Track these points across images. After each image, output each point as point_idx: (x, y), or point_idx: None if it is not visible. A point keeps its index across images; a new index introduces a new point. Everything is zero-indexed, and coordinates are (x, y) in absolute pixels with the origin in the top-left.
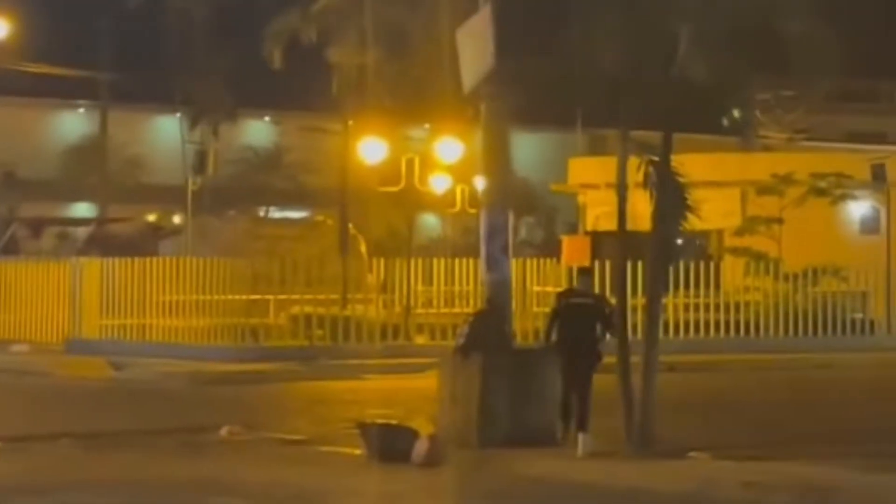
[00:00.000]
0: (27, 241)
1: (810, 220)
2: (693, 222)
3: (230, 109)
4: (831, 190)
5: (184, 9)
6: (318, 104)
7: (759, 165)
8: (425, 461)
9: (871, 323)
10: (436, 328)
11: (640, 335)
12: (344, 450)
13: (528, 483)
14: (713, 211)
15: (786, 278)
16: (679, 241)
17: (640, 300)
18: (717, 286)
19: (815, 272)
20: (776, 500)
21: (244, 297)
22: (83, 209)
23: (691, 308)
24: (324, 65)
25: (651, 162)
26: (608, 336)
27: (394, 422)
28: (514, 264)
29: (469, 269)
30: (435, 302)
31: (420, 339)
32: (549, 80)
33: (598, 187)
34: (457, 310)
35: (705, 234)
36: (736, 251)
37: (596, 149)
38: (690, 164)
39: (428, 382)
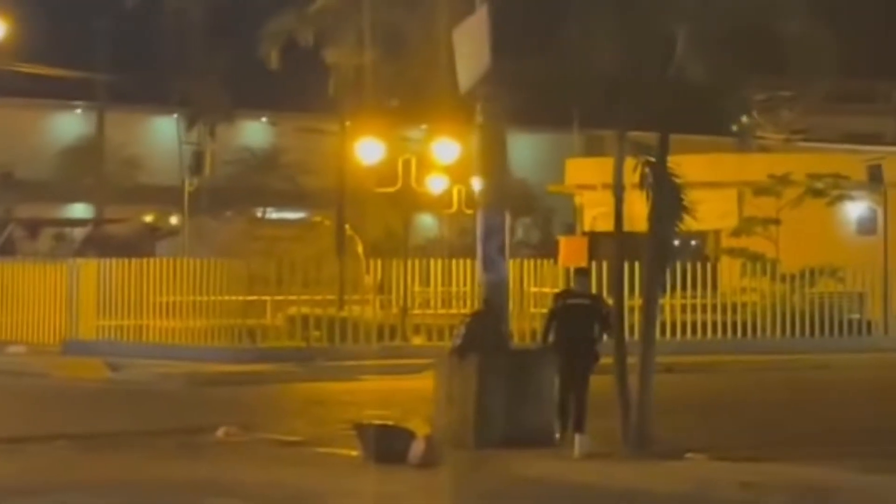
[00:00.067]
0: (24, 242)
1: (807, 221)
2: (690, 223)
3: (227, 110)
4: (828, 191)
5: (181, 10)
6: (314, 105)
7: (756, 166)
8: (422, 462)
9: (868, 323)
10: (433, 329)
11: (637, 336)
12: (341, 451)
13: (524, 484)
14: (710, 212)
15: (783, 279)
16: (676, 242)
17: (637, 301)
18: (714, 287)
19: (812, 273)
20: (774, 501)
21: (241, 297)
22: (80, 210)
23: (688, 309)
24: (321, 65)
25: (648, 163)
26: (605, 337)
27: (390, 423)
28: (510, 265)
29: (466, 269)
30: (432, 303)
31: (417, 340)
32: (545, 80)
33: (595, 188)
34: (454, 310)
35: (702, 235)
36: (733, 252)
37: (593, 149)
38: (687, 165)
39: (425, 383)
